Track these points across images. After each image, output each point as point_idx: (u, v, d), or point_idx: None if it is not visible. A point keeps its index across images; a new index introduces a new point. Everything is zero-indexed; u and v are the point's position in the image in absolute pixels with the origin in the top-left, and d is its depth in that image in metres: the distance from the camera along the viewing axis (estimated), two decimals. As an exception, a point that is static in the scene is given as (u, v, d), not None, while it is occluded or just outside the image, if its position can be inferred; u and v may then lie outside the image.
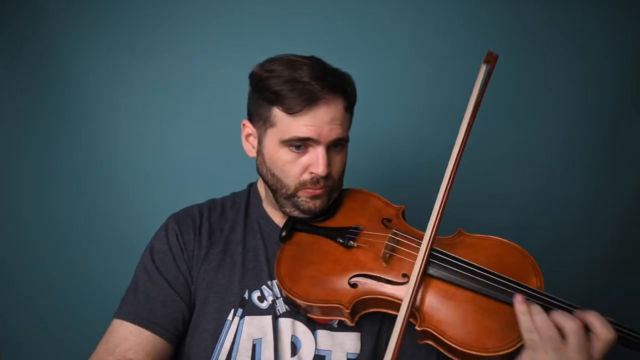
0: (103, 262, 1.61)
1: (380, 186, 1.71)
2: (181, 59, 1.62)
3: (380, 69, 1.66)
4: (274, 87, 0.97)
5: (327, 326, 1.01)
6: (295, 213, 1.04)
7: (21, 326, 1.61)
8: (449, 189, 0.96)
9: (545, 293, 0.87)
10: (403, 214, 1.08)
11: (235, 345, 0.99)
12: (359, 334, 1.02)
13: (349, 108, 1.02)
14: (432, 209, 0.95)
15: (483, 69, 1.03)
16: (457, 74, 1.68)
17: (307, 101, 0.95)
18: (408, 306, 0.87)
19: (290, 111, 0.96)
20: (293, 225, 1.05)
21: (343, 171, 1.06)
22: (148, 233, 1.10)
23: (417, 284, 0.89)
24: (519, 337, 0.83)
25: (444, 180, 0.97)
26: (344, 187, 1.12)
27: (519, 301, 0.83)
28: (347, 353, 1.01)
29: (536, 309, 0.82)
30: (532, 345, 0.81)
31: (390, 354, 0.84)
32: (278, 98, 0.97)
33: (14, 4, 1.56)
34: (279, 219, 1.10)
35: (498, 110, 1.71)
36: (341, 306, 0.92)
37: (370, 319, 0.99)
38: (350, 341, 1.01)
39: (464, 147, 1.02)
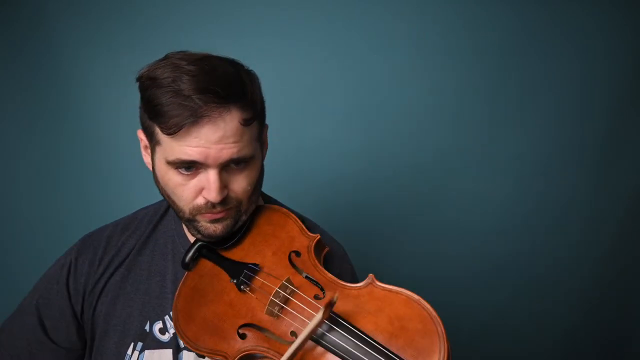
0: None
1: (381, 192, 1.72)
2: (181, 59, 1.61)
3: (380, 69, 1.66)
4: (153, 100, 0.82)
5: None
6: (199, 236, 0.91)
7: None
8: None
9: None
10: (318, 245, 0.93)
11: None
12: None
13: (250, 120, 0.84)
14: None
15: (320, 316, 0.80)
16: (458, 74, 1.68)
17: (186, 120, 0.79)
18: None
19: (167, 131, 0.81)
20: (199, 250, 0.92)
21: (253, 189, 0.91)
22: (148, 233, 1.10)
23: (293, 355, 0.77)
24: None
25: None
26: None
27: None
28: None
29: None
30: None
31: None
32: (156, 115, 0.82)
33: (14, 4, 1.56)
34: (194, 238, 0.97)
35: (498, 110, 1.71)
36: (223, 358, 0.83)
37: None
38: None
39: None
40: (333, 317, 0.80)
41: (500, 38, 1.68)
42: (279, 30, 1.62)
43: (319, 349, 0.80)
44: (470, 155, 1.71)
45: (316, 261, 0.90)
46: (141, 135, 0.94)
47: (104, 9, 1.59)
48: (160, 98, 0.81)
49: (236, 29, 1.62)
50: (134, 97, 1.61)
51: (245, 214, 0.92)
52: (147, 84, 0.84)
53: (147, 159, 0.96)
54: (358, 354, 0.76)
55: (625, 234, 1.78)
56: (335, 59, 1.65)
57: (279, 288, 0.85)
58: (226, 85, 0.82)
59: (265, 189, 1.03)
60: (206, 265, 0.93)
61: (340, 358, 0.78)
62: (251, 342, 0.83)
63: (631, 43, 1.69)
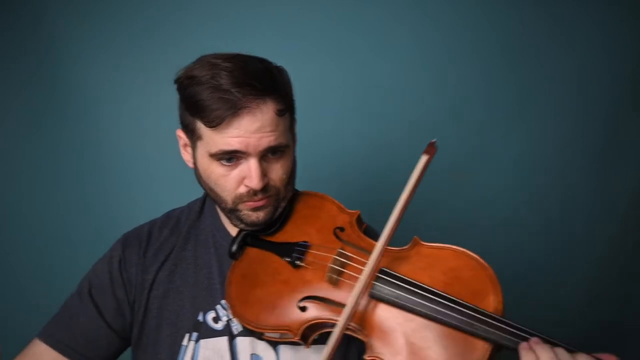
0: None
1: (380, 192, 1.71)
2: (182, 59, 1.60)
3: (379, 69, 1.66)
4: (194, 97, 0.88)
5: (294, 342, 0.94)
6: (242, 226, 0.97)
7: (21, 326, 1.60)
8: (395, 227, 0.87)
9: (515, 324, 0.79)
10: (358, 220, 1.00)
11: None
12: (321, 346, 0.96)
13: (283, 111, 0.91)
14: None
15: (423, 160, 0.93)
16: (457, 74, 1.69)
17: (227, 112, 0.86)
18: (339, 332, 0.80)
19: (211, 124, 0.87)
20: (243, 239, 0.97)
21: (289, 178, 0.97)
22: (148, 233, 1.11)
23: (352, 311, 0.81)
24: None
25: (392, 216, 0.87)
26: (303, 189, 1.06)
27: (525, 348, 0.76)
28: None
29: (545, 349, 0.75)
30: None
31: None
32: (198, 110, 0.88)
33: (14, 4, 1.56)
34: (234, 231, 1.02)
35: (498, 110, 1.71)
36: (289, 332, 0.87)
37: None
38: (314, 356, 0.95)
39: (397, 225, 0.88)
40: (392, 274, 0.86)
41: (500, 38, 1.68)
42: (279, 30, 1.63)
43: (383, 305, 0.85)
44: (470, 155, 1.71)
45: (360, 233, 0.96)
46: (181, 134, 1.00)
47: (104, 9, 1.59)
48: (201, 94, 0.87)
49: (237, 29, 1.62)
50: (135, 97, 1.63)
51: (283, 200, 0.98)
52: (187, 82, 0.90)
53: (186, 156, 1.01)
54: (422, 301, 0.82)
55: (626, 234, 1.78)
56: (335, 59, 1.65)
57: (336, 256, 0.90)
58: (261, 79, 0.88)
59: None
60: (252, 252, 0.97)
61: (407, 310, 0.83)
62: (313, 313, 0.87)
63: (631, 43, 1.69)
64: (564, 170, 1.74)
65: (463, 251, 0.87)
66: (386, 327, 0.84)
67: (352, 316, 0.82)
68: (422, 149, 1.70)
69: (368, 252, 0.89)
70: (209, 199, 1.06)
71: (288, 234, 0.99)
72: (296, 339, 0.87)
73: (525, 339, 0.77)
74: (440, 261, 0.87)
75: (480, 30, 1.67)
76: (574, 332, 1.78)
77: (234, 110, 0.86)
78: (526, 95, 1.71)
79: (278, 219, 0.99)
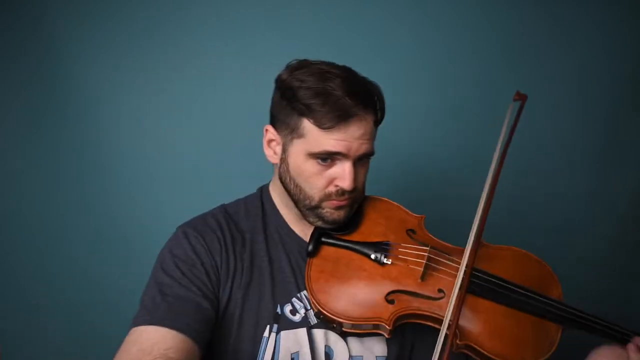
0: (103, 262, 1.60)
1: (379, 192, 1.71)
2: (182, 59, 1.62)
3: (379, 69, 1.66)
4: (306, 99, 0.95)
5: (357, 333, 1.02)
6: (319, 223, 1.03)
7: (21, 326, 1.61)
8: (488, 209, 1.02)
9: (578, 309, 0.97)
10: (424, 223, 1.11)
11: None
12: (383, 336, 1.02)
13: (378, 122, 1.03)
14: (467, 219, 1.00)
15: (511, 107, 1.12)
16: (457, 74, 1.69)
17: (340, 117, 0.94)
18: (453, 326, 0.89)
19: (322, 126, 0.94)
20: (319, 238, 1.04)
21: (365, 182, 1.07)
22: (149, 233, 1.10)
23: (460, 303, 0.92)
24: (550, 345, 0.94)
25: (481, 199, 1.04)
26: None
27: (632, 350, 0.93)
28: (377, 357, 1.03)
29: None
30: None
31: None
32: (310, 111, 0.95)
33: (14, 4, 1.56)
34: (298, 229, 1.08)
35: (497, 110, 1.71)
36: (382, 322, 0.95)
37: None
38: (378, 345, 1.04)
39: (498, 175, 1.09)
40: (479, 270, 0.99)
41: (500, 38, 1.68)
42: (279, 30, 1.63)
43: (473, 298, 0.97)
44: (470, 155, 1.71)
45: (429, 234, 1.08)
46: (270, 130, 1.04)
47: (104, 9, 1.59)
48: (314, 98, 0.94)
49: (237, 30, 1.62)
50: (135, 98, 1.63)
51: (357, 202, 1.07)
52: (296, 85, 0.96)
53: (269, 152, 1.06)
54: (506, 292, 0.97)
55: (626, 234, 1.78)
56: (335, 59, 1.65)
57: (428, 253, 1.01)
58: (368, 90, 1.00)
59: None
60: (328, 250, 1.04)
61: (493, 300, 0.97)
62: (402, 305, 0.96)
63: (631, 43, 1.69)
64: (563, 170, 1.74)
65: (523, 252, 1.06)
66: (475, 315, 0.96)
67: (459, 311, 0.91)
68: (422, 148, 1.71)
69: (447, 251, 1.03)
70: (266, 195, 1.11)
71: (363, 234, 1.06)
72: (388, 327, 0.94)
73: (592, 322, 0.96)
74: (506, 260, 1.04)
75: (480, 30, 1.67)
76: (574, 332, 1.78)
77: (346, 116, 0.94)
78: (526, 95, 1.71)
79: (350, 221, 1.06)
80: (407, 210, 1.11)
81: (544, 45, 1.69)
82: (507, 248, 1.06)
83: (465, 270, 0.94)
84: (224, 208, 1.10)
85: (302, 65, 1.00)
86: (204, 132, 1.62)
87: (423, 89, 1.68)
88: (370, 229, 1.07)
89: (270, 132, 1.04)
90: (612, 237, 1.77)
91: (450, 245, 1.06)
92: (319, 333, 1.01)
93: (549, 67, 1.69)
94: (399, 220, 1.09)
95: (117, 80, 1.60)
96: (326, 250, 1.03)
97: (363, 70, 1.65)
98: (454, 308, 0.90)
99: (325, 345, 1.01)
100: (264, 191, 1.13)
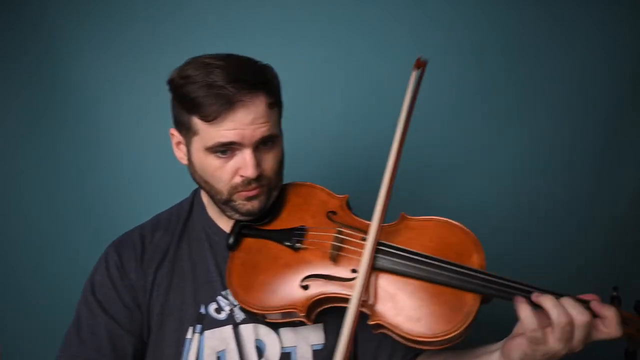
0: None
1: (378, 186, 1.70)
2: (182, 59, 1.61)
3: (379, 69, 1.66)
4: (190, 94, 0.93)
5: (292, 322, 0.99)
6: (236, 216, 1.02)
7: (21, 326, 1.61)
8: (391, 185, 0.98)
9: (498, 275, 0.89)
10: (347, 203, 1.07)
11: None
12: (321, 324, 1.02)
13: (273, 104, 0.98)
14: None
15: (413, 75, 1.03)
16: (457, 74, 1.68)
17: (223, 107, 0.92)
18: (357, 304, 0.87)
19: (207, 119, 0.93)
20: (239, 231, 1.03)
21: (279, 167, 1.03)
22: (148, 233, 1.10)
23: (365, 281, 0.89)
24: (465, 318, 0.87)
25: (385, 174, 0.99)
26: (289, 181, 1.10)
27: (520, 300, 0.84)
28: (312, 345, 1.01)
29: (549, 302, 0.83)
30: (535, 340, 0.82)
31: (341, 352, 0.84)
32: (194, 106, 0.94)
33: (14, 4, 1.56)
34: (225, 224, 1.07)
35: (497, 110, 1.71)
36: (295, 310, 0.93)
37: (331, 309, 0.97)
38: (313, 333, 1.02)
39: (399, 154, 1.05)
40: (389, 245, 0.95)
41: (500, 38, 1.68)
42: (279, 30, 1.63)
43: (383, 274, 0.93)
44: (470, 155, 1.71)
45: (352, 214, 1.04)
46: (174, 132, 1.04)
47: (104, 9, 1.59)
48: (197, 92, 0.93)
49: (237, 30, 1.62)
50: (135, 98, 1.63)
51: (275, 189, 1.03)
52: (181, 82, 0.95)
53: (179, 154, 1.06)
54: (416, 265, 0.92)
55: (626, 234, 1.78)
56: (335, 59, 1.65)
57: (336, 234, 0.98)
58: (253, 74, 0.95)
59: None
60: (248, 242, 1.03)
61: (404, 275, 0.92)
62: (316, 290, 0.94)
63: (631, 43, 1.69)
64: (563, 171, 1.74)
65: (446, 220, 0.98)
66: (386, 293, 0.92)
67: (364, 289, 0.89)
68: (422, 148, 1.71)
69: (361, 230, 0.98)
70: (197, 197, 1.12)
71: (284, 222, 1.04)
72: (301, 315, 0.92)
73: (509, 287, 0.88)
74: (427, 231, 0.98)
75: (480, 30, 1.67)
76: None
77: (229, 104, 0.92)
78: (526, 95, 1.71)
79: (271, 208, 1.04)
80: (330, 192, 1.08)
81: (544, 45, 1.69)
82: (430, 219, 0.99)
83: (370, 247, 0.91)
84: (156, 218, 1.13)
85: (188, 62, 0.98)
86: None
87: (423, 88, 1.68)
88: (291, 216, 1.05)
89: (175, 135, 1.04)
90: (612, 237, 1.77)
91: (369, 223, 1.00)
92: (247, 328, 1.00)
93: (549, 67, 1.69)
94: (320, 203, 1.06)
95: (117, 80, 1.60)
96: (247, 243, 1.03)
97: (363, 70, 1.67)
98: (358, 287, 0.88)
99: (256, 340, 1.00)
100: (196, 193, 1.14)
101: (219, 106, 0.92)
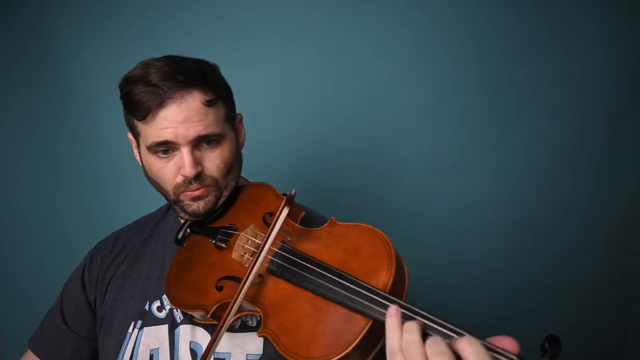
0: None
1: (379, 191, 1.71)
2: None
3: (379, 69, 1.66)
4: (128, 95, 0.94)
5: (230, 328, 0.96)
6: (185, 216, 1.02)
7: (21, 326, 1.60)
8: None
9: (391, 298, 0.74)
10: (291, 208, 0.98)
11: (133, 357, 1.00)
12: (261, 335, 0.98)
13: (212, 101, 0.95)
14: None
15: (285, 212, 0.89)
16: (457, 74, 1.68)
17: (153, 103, 0.92)
18: (230, 308, 0.83)
19: (139, 117, 0.94)
20: (189, 227, 1.03)
21: (226, 167, 1.00)
22: (148, 233, 1.11)
23: (245, 283, 0.84)
24: (346, 344, 0.74)
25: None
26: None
27: (391, 314, 0.69)
28: (247, 354, 0.97)
29: (412, 326, 0.67)
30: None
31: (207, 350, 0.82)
32: (130, 106, 0.95)
33: (14, 4, 1.56)
34: None
35: (497, 110, 1.71)
36: (203, 310, 0.90)
37: None
38: (251, 342, 0.97)
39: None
40: (288, 249, 0.88)
41: (500, 38, 1.68)
42: (278, 30, 1.63)
43: (278, 281, 0.86)
44: (469, 154, 1.71)
45: (287, 218, 0.93)
46: (130, 136, 1.05)
47: (104, 9, 1.59)
48: (133, 91, 0.93)
49: (236, 30, 1.62)
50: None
51: (225, 190, 1.02)
52: (124, 84, 0.96)
53: (138, 157, 1.06)
54: (308, 275, 0.82)
55: (626, 234, 1.77)
56: (336, 59, 1.65)
57: (244, 233, 0.94)
58: (186, 73, 0.94)
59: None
60: (194, 239, 1.02)
61: (296, 285, 0.83)
62: (227, 292, 0.90)
63: (631, 43, 1.69)
64: (563, 170, 1.74)
65: (370, 228, 0.86)
66: (278, 302, 0.84)
67: (246, 290, 0.84)
68: (422, 148, 1.71)
69: (287, 233, 0.92)
70: None
71: (226, 220, 1.02)
72: (208, 317, 0.90)
73: (408, 317, 0.70)
74: (346, 239, 0.87)
75: (480, 30, 1.67)
76: (574, 331, 1.78)
77: (159, 101, 0.92)
78: (526, 95, 1.71)
79: (220, 208, 1.03)
80: (278, 193, 1.02)
81: (544, 45, 1.69)
82: (357, 225, 0.87)
83: (259, 250, 0.85)
84: (137, 220, 1.19)
85: (134, 67, 0.98)
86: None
87: (423, 88, 1.68)
88: (233, 215, 1.03)
89: (131, 139, 1.05)
90: (612, 237, 1.77)
91: (301, 228, 0.94)
92: (185, 329, 1.00)
93: (549, 67, 1.69)
94: (265, 204, 1.01)
95: (117, 80, 1.59)
96: (192, 239, 1.03)
97: (363, 70, 1.67)
98: (238, 290, 0.83)
99: (191, 342, 0.99)
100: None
101: (150, 103, 0.92)
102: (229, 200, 1.04)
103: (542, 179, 1.74)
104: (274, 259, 0.87)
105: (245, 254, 0.93)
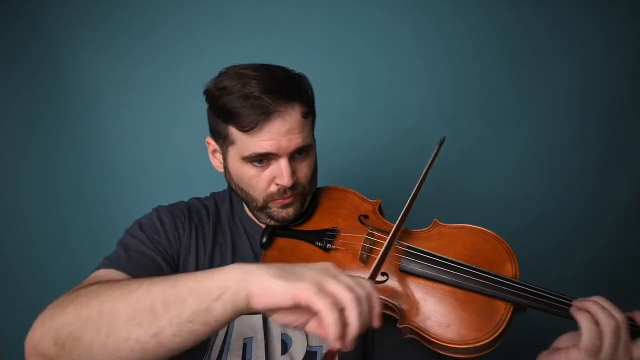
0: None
1: (380, 191, 1.71)
2: (182, 59, 1.62)
3: (379, 69, 1.66)
4: (227, 105, 0.95)
5: None
6: (272, 223, 1.04)
7: (21, 326, 1.60)
8: (417, 193, 0.98)
9: (532, 285, 0.88)
10: (380, 208, 1.09)
11: (226, 345, 0.99)
12: None
13: (308, 113, 1.00)
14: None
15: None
16: (457, 74, 1.69)
17: (260, 117, 0.93)
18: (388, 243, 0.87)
19: (244, 129, 0.95)
20: (273, 230, 1.05)
21: (313, 174, 1.05)
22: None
23: (377, 272, 0.87)
24: (496, 326, 0.86)
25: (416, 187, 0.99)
26: (322, 185, 1.11)
27: (578, 307, 0.82)
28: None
29: (594, 306, 0.81)
30: (594, 350, 0.79)
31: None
32: (231, 116, 0.95)
33: (14, 4, 1.56)
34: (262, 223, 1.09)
35: (497, 110, 1.71)
36: None
37: None
38: None
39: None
40: (417, 249, 0.95)
41: (500, 38, 1.68)
42: (278, 30, 1.63)
43: (412, 278, 0.93)
44: (469, 155, 1.71)
45: (383, 219, 1.05)
46: (210, 141, 1.07)
47: (104, 9, 1.59)
48: (234, 102, 0.94)
49: (236, 29, 1.62)
50: (135, 97, 1.63)
51: (309, 195, 1.06)
52: (218, 94, 0.97)
53: (215, 162, 1.09)
54: (446, 270, 0.91)
55: (626, 234, 1.78)
56: (335, 59, 1.65)
57: (366, 236, 0.99)
58: (287, 85, 0.96)
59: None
60: (281, 242, 1.05)
61: (434, 280, 0.92)
62: None
63: (631, 43, 1.69)
64: (563, 170, 1.74)
65: (479, 228, 0.98)
66: (416, 297, 0.91)
67: (378, 271, 0.88)
68: (422, 148, 1.71)
69: (388, 233, 0.96)
70: (234, 193, 1.11)
71: (316, 224, 1.06)
72: None
73: (544, 297, 0.87)
74: (460, 238, 0.97)
75: (480, 30, 1.67)
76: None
77: (266, 115, 0.93)
78: (526, 95, 1.71)
79: (304, 213, 1.07)
80: (363, 197, 1.10)
81: (544, 45, 1.69)
82: (463, 226, 0.99)
83: (387, 246, 0.90)
84: (196, 200, 1.15)
85: (222, 73, 1.00)
86: (203, 132, 1.62)
87: (423, 88, 1.68)
88: (324, 218, 1.07)
89: (211, 143, 1.07)
90: (612, 237, 1.77)
91: (405, 229, 1.03)
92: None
93: (549, 67, 1.69)
94: (353, 206, 1.08)
95: (117, 80, 1.60)
96: (280, 242, 1.05)
97: (363, 70, 1.67)
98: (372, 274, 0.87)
99: (282, 333, 1.00)
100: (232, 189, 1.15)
101: (256, 116, 0.93)
102: (310, 203, 1.08)
103: (542, 178, 1.74)
104: (406, 257, 0.94)
105: (366, 254, 0.97)
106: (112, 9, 1.59)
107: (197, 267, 1.03)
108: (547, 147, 1.73)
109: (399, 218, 0.93)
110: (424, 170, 1.02)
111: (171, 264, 1.01)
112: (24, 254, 1.60)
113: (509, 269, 0.92)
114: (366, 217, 1.05)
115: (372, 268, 0.86)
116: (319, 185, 1.12)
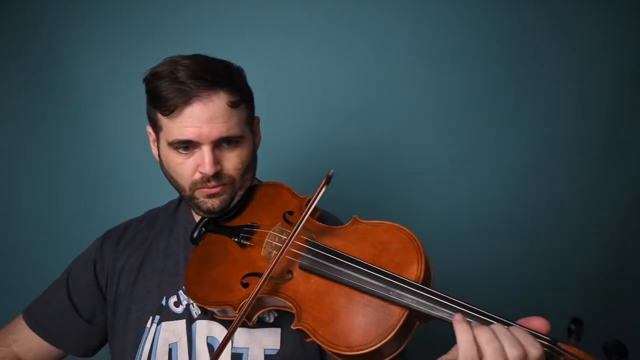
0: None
1: (380, 191, 1.71)
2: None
3: (380, 69, 1.66)
4: (154, 89, 0.96)
5: (245, 324, 0.96)
6: (200, 213, 1.04)
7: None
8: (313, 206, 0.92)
9: (435, 292, 0.80)
10: (308, 204, 1.01)
11: (153, 351, 1.01)
12: (279, 329, 1.00)
13: (237, 103, 0.97)
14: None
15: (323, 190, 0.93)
16: (457, 74, 1.68)
17: (180, 100, 0.93)
18: (247, 305, 0.85)
19: (164, 112, 0.95)
20: (204, 226, 1.04)
21: (244, 168, 1.02)
22: (148, 233, 1.11)
23: (268, 275, 0.86)
24: (384, 334, 0.78)
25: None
26: (301, 187, 1.09)
27: (458, 320, 0.73)
28: (265, 349, 0.99)
29: (484, 330, 0.72)
30: None
31: (221, 346, 0.84)
32: (156, 100, 0.96)
33: (14, 4, 1.56)
34: None
35: (497, 110, 1.71)
36: (230, 307, 0.91)
37: (291, 315, 0.91)
38: (268, 337, 1.00)
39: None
40: (318, 245, 0.91)
41: (500, 38, 1.68)
42: (278, 30, 1.63)
43: (311, 276, 0.89)
44: (469, 154, 1.71)
45: (309, 217, 0.96)
46: (149, 129, 1.07)
47: (104, 9, 1.59)
48: (160, 87, 0.95)
49: (235, 29, 1.62)
50: (135, 97, 1.62)
51: (240, 189, 1.04)
52: (150, 79, 0.98)
53: (155, 151, 1.08)
54: (342, 269, 0.86)
55: (626, 235, 1.78)
56: (335, 59, 1.65)
57: (272, 231, 0.96)
58: (215, 73, 0.96)
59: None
60: (211, 237, 1.04)
61: (330, 279, 0.87)
62: (253, 288, 0.89)
63: (631, 43, 1.69)
64: (563, 170, 1.74)
65: (395, 225, 0.90)
66: (312, 297, 0.87)
67: (266, 280, 0.87)
68: (422, 148, 1.71)
69: (310, 230, 0.95)
70: None
71: (244, 219, 1.05)
72: (234, 312, 0.90)
73: (444, 305, 0.77)
74: (373, 235, 0.91)
75: (480, 30, 1.67)
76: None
77: (186, 98, 0.93)
78: (526, 95, 1.71)
79: (235, 207, 1.05)
80: (295, 193, 1.06)
81: (544, 45, 1.69)
82: (381, 223, 0.92)
83: (285, 245, 0.88)
84: (146, 212, 1.20)
85: (160, 63, 1.00)
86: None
87: (423, 88, 1.68)
88: (251, 214, 1.05)
89: (150, 133, 1.08)
90: (612, 237, 1.77)
91: (322, 225, 0.98)
92: (201, 324, 1.02)
93: (549, 67, 1.69)
94: (282, 203, 1.04)
95: (117, 80, 1.60)
96: (209, 238, 1.04)
97: (363, 70, 1.67)
98: (258, 286, 0.85)
99: (208, 337, 1.01)
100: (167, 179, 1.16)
101: (177, 100, 0.93)
102: (244, 200, 1.06)
103: (542, 179, 1.74)
104: (305, 254, 0.90)
105: (273, 250, 0.94)
106: (112, 9, 1.59)
107: (119, 287, 1.08)
108: (547, 147, 1.73)
109: (301, 217, 0.90)
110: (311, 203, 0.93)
111: (86, 311, 1.11)
112: (24, 254, 1.60)
113: (413, 271, 0.83)
114: (291, 213, 1.01)
115: (270, 266, 0.86)
116: (300, 187, 1.09)
